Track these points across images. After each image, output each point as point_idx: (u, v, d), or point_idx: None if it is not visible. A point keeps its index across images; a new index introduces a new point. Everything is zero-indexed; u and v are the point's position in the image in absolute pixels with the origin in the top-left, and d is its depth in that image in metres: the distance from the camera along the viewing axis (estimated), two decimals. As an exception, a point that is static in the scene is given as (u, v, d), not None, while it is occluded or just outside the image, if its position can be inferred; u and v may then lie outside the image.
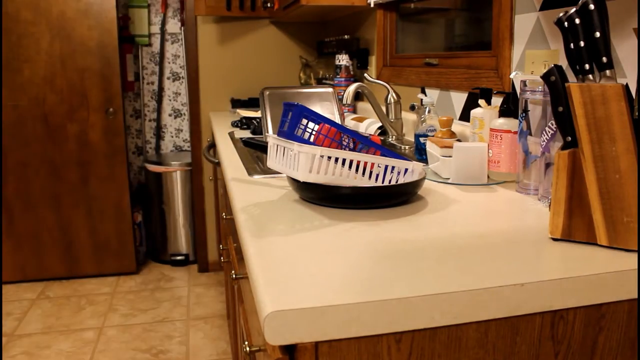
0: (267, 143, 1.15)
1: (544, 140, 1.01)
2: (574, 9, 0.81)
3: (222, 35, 3.15)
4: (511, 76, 1.27)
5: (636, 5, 1.00)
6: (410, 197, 1.08)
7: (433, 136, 1.42)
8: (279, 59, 3.26)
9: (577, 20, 0.81)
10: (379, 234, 0.87)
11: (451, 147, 1.25)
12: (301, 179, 1.00)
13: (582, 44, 0.81)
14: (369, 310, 0.64)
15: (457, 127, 1.59)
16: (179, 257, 3.34)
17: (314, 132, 1.10)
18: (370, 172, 1.06)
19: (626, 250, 0.79)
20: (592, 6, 0.79)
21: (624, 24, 1.03)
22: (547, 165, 1.01)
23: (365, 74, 1.92)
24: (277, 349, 0.66)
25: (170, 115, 3.67)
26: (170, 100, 3.65)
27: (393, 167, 1.07)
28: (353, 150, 1.12)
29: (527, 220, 0.94)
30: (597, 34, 0.79)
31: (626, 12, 1.02)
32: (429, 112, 1.57)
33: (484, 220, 0.94)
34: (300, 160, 0.99)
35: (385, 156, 1.08)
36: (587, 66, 0.81)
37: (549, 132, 1.00)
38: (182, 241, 3.33)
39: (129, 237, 3.15)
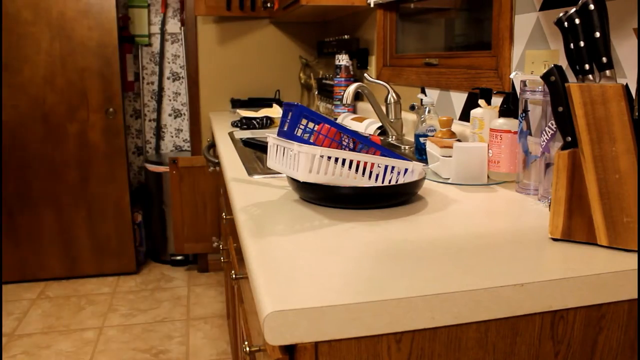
0: (267, 143, 1.15)
1: (544, 140, 1.01)
2: (574, 9, 0.81)
3: (222, 35, 3.15)
4: (511, 76, 1.27)
5: (636, 5, 1.00)
6: (410, 197, 1.08)
7: (433, 136, 1.42)
8: (279, 59, 3.26)
9: (577, 20, 0.81)
10: (379, 234, 0.87)
11: (451, 147, 1.25)
12: (301, 179, 1.00)
13: (582, 44, 0.81)
14: (369, 310, 0.64)
15: (457, 127, 1.59)
16: (179, 257, 3.34)
17: (314, 132, 1.10)
18: (370, 172, 1.06)
19: (626, 250, 0.79)
20: (592, 6, 0.79)
21: (624, 24, 1.03)
22: (547, 165, 1.01)
23: (365, 74, 1.92)
24: (277, 349, 0.66)
25: (170, 115, 3.67)
26: (170, 100, 3.65)
27: (393, 167, 1.07)
28: (353, 150, 1.12)
29: (527, 220, 0.94)
30: (597, 34, 0.79)
31: (626, 12, 1.02)
32: (429, 112, 1.57)
33: (484, 221, 0.94)
34: (300, 160, 0.99)
35: (385, 156, 1.08)
36: (587, 66, 0.81)
37: (549, 132, 1.00)
38: (182, 241, 3.33)
39: (129, 237, 3.15)
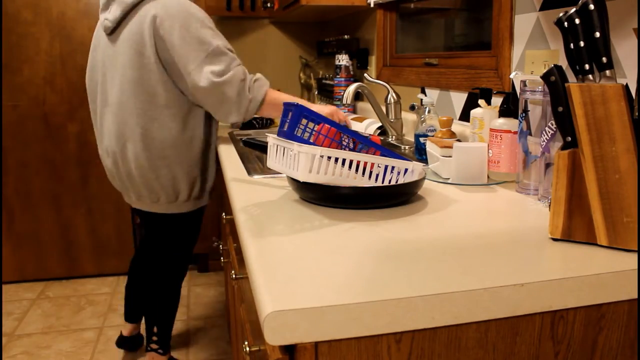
0: (267, 143, 1.15)
1: (544, 140, 1.01)
2: (574, 9, 0.81)
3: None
4: (511, 76, 1.27)
5: (636, 5, 1.00)
6: (410, 197, 1.08)
7: (433, 136, 1.42)
8: (279, 59, 3.26)
9: (577, 20, 0.81)
10: (379, 234, 0.87)
11: (451, 147, 1.25)
12: (301, 179, 1.00)
13: (582, 44, 0.81)
14: (369, 310, 0.64)
15: (457, 127, 1.59)
16: (179, 257, 3.34)
17: (314, 132, 1.10)
18: (370, 172, 1.06)
19: (626, 250, 0.79)
20: (592, 6, 0.79)
21: (624, 24, 1.03)
22: (547, 165, 1.01)
23: (365, 74, 1.92)
24: (277, 349, 0.66)
25: (170, 115, 3.66)
26: (170, 100, 3.64)
27: (393, 167, 1.07)
28: (353, 150, 1.12)
29: (527, 220, 0.94)
30: (597, 34, 0.79)
31: (626, 12, 1.02)
32: (429, 112, 1.57)
33: (484, 221, 0.94)
34: (300, 160, 0.99)
35: (385, 156, 1.08)
36: (587, 66, 0.81)
37: (549, 132, 1.00)
38: (182, 241, 3.32)
39: (129, 237, 3.15)
